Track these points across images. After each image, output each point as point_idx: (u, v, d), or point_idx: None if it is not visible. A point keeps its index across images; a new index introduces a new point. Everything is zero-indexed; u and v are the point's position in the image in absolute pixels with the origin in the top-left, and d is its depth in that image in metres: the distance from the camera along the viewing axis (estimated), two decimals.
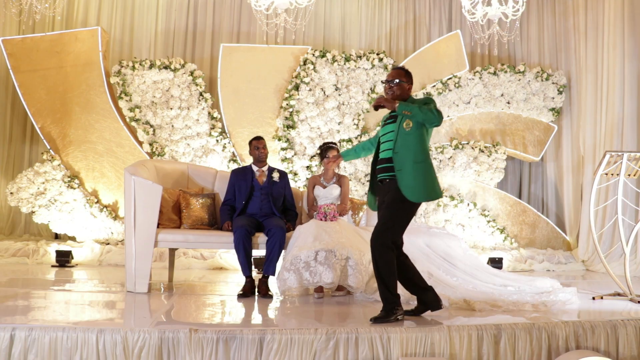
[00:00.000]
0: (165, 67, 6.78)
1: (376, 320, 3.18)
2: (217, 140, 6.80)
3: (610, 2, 6.39)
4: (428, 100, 3.39)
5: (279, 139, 6.84)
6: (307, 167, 6.86)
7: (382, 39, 7.77)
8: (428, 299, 3.44)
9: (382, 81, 3.53)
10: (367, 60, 7.02)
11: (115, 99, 6.71)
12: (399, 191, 3.29)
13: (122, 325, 3.03)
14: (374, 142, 3.70)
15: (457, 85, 7.15)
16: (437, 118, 3.30)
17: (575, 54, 7.13)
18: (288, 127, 6.85)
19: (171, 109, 6.71)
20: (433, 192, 3.36)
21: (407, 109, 3.30)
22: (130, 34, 7.47)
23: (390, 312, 3.24)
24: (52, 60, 6.65)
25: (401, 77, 3.47)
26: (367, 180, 6.94)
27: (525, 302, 3.75)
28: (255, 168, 4.75)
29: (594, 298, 4.22)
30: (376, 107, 3.41)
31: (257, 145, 4.75)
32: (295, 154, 6.88)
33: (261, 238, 4.36)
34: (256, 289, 4.25)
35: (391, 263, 3.30)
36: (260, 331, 2.91)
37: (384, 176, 3.42)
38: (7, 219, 7.10)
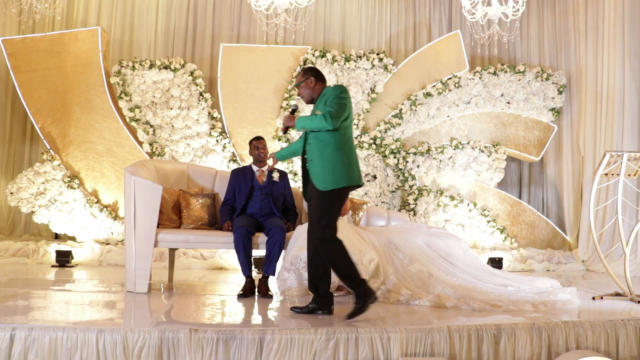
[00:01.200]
0: (165, 67, 6.78)
1: (352, 315, 3.22)
2: (217, 140, 6.80)
3: (610, 2, 6.39)
4: (335, 93, 3.40)
5: (279, 139, 6.84)
6: None
7: (382, 39, 7.77)
8: (327, 298, 3.49)
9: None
10: (367, 60, 7.02)
11: (115, 99, 6.71)
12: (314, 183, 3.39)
13: (122, 325, 3.03)
14: (303, 137, 3.71)
15: (457, 85, 7.15)
16: (328, 124, 3.30)
17: (575, 54, 7.13)
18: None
19: (171, 109, 6.71)
20: (341, 179, 3.36)
21: (302, 126, 3.42)
22: (130, 34, 7.46)
23: (363, 301, 3.28)
24: (52, 60, 6.64)
25: (299, 79, 3.56)
26: (367, 181, 6.95)
27: (525, 302, 3.75)
28: (255, 168, 4.75)
29: (594, 298, 4.22)
30: (284, 131, 3.54)
31: (257, 145, 4.75)
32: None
33: (261, 238, 4.36)
34: (256, 289, 4.25)
35: (340, 252, 3.35)
36: (260, 331, 2.91)
37: (307, 165, 3.51)
38: (7, 219, 7.09)
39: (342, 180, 3.36)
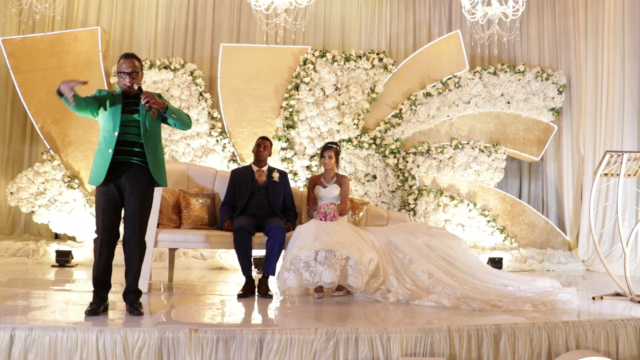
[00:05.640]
0: (165, 67, 6.78)
1: (90, 313, 3.27)
2: (217, 140, 6.81)
3: (610, 2, 6.39)
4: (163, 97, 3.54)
5: (279, 139, 6.84)
6: (307, 167, 6.86)
7: (382, 39, 7.77)
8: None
9: (119, 71, 3.43)
10: (367, 60, 7.02)
11: None
12: (147, 179, 3.44)
13: (122, 325, 3.03)
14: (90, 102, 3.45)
15: (457, 85, 7.15)
16: (191, 124, 3.65)
17: (575, 54, 7.13)
18: (288, 127, 6.86)
19: None
20: (166, 179, 3.57)
21: (174, 112, 3.49)
22: (130, 33, 7.47)
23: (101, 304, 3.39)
24: (52, 60, 6.64)
25: (139, 69, 3.48)
26: (367, 181, 6.94)
27: (525, 302, 3.75)
28: (255, 168, 4.75)
29: (594, 298, 4.23)
30: (150, 108, 3.39)
31: (259, 143, 4.78)
32: (295, 154, 6.88)
33: (261, 238, 4.36)
34: (256, 289, 4.25)
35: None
36: (260, 331, 2.91)
37: (132, 160, 3.41)
38: (7, 219, 7.10)
39: (166, 179, 3.59)
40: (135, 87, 3.42)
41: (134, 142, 3.41)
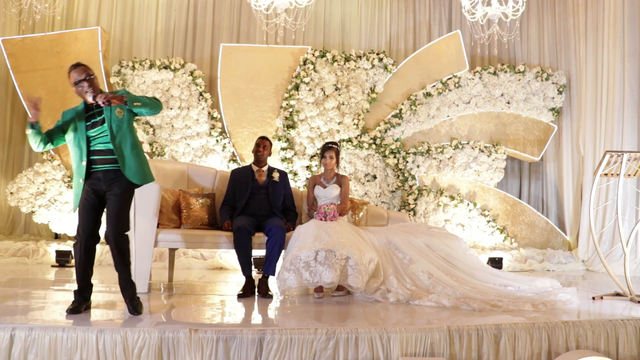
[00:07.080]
0: (165, 67, 6.78)
1: (72, 311, 3.27)
2: (217, 140, 6.81)
3: (610, 2, 6.40)
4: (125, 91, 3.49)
5: (279, 139, 6.84)
6: (307, 167, 6.86)
7: (382, 39, 7.77)
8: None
9: (75, 82, 3.34)
10: (367, 60, 7.02)
11: None
12: (125, 179, 3.39)
13: (122, 325, 3.03)
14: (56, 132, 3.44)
15: (457, 85, 7.15)
16: (161, 106, 3.50)
17: (575, 54, 7.13)
18: (288, 127, 6.86)
19: (171, 109, 6.71)
20: (150, 175, 3.52)
21: (136, 100, 3.37)
22: (130, 33, 7.47)
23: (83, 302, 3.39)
24: (52, 60, 6.64)
25: (90, 72, 3.40)
26: (367, 181, 6.94)
27: (525, 302, 3.75)
28: (255, 168, 4.75)
29: (594, 298, 4.23)
30: (111, 105, 3.33)
31: (258, 143, 4.78)
32: (295, 154, 6.88)
33: (261, 238, 4.36)
34: (256, 289, 4.25)
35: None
36: (260, 331, 2.91)
37: (107, 167, 3.39)
38: (7, 219, 7.10)
39: (150, 176, 3.53)
40: (98, 100, 3.29)
41: (107, 150, 3.39)
